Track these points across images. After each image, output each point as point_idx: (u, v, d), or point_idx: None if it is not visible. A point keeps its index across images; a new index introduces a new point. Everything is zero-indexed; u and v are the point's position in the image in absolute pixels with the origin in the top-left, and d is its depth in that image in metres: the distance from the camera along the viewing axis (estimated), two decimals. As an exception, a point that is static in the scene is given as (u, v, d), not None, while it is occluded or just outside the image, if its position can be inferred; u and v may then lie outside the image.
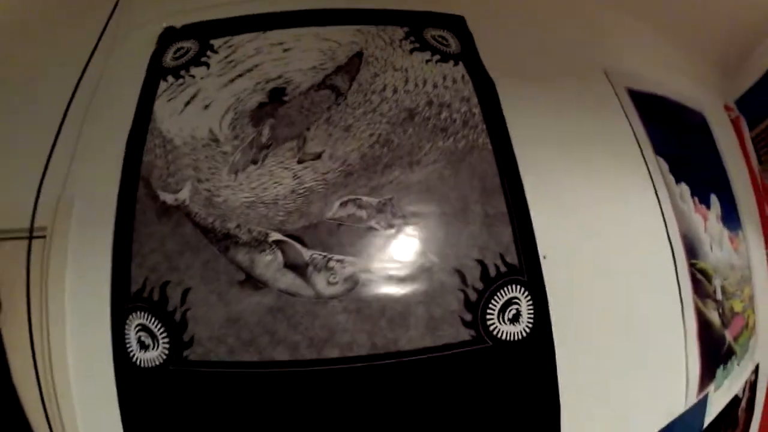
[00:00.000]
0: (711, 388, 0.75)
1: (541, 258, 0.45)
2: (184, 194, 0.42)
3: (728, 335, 0.86)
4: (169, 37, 0.52)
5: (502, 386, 0.42)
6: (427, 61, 0.49)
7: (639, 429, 0.56)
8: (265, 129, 0.43)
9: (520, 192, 0.49)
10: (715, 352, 0.80)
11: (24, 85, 0.54)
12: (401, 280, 0.42)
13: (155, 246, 0.43)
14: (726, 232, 0.93)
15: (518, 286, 0.43)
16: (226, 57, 0.48)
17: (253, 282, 0.40)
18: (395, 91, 0.46)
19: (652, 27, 0.85)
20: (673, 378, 0.64)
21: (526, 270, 0.46)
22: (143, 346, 0.42)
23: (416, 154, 0.43)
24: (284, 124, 0.44)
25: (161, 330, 0.42)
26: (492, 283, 0.45)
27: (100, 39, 0.50)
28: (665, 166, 0.75)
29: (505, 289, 0.47)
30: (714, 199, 0.90)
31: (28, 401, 0.50)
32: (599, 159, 0.63)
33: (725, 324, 0.84)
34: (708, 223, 0.88)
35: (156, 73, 0.49)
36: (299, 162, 0.42)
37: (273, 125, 0.43)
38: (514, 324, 0.42)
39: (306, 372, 0.39)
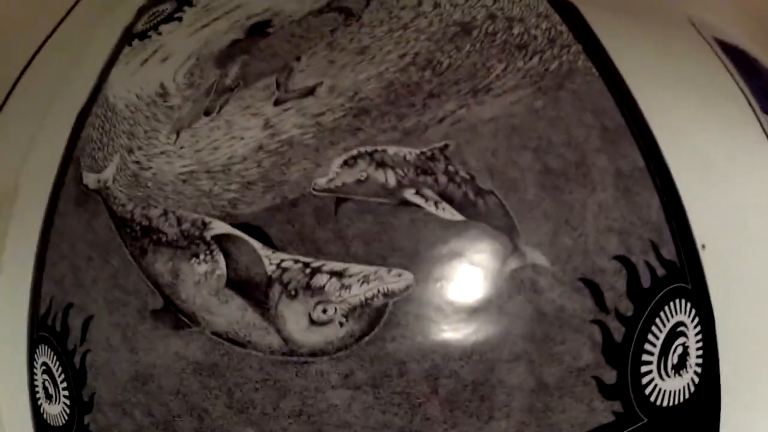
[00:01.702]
0: None
1: (699, 249, 0.12)
2: (108, 172, 0.18)
3: None
4: (148, 6, 0.31)
5: None
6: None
7: None
8: (233, 68, 0.18)
9: (653, 140, 0.22)
10: None
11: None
12: (474, 311, 0.12)
13: (66, 250, 0.19)
14: None
15: (684, 302, 0.18)
16: (204, 6, 0.25)
17: (173, 314, 0.12)
18: (437, 5, 0.19)
19: None
20: None
21: (689, 270, 0.19)
22: (47, 396, 0.15)
23: (483, 77, 0.15)
24: (262, 58, 0.19)
25: (61, 377, 0.15)
26: (649, 300, 0.18)
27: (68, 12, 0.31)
28: None
29: (668, 309, 0.18)
30: None
31: None
32: (717, 118, 0.30)
33: None
34: None
35: (123, 41, 0.28)
36: (276, 103, 0.15)
37: (246, 62, 0.19)
38: (679, 374, 0.17)
39: None
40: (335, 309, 0.13)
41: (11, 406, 0.25)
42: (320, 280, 0.13)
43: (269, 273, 0.13)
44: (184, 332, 0.15)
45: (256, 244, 0.14)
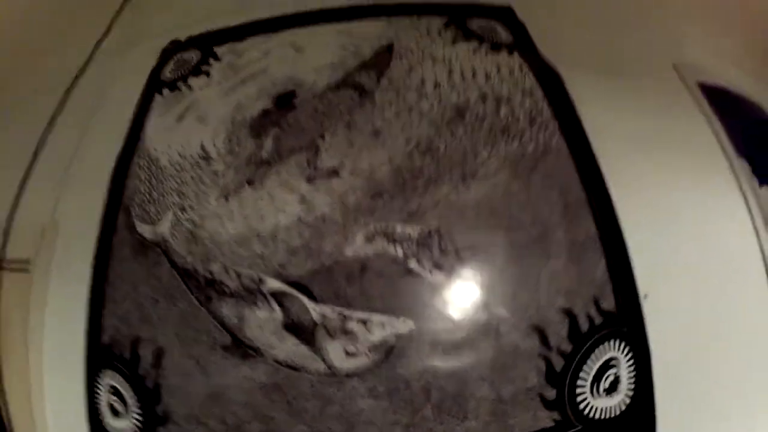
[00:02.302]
0: None
1: (641, 298, 0.26)
2: (164, 226, 0.29)
3: None
4: (172, 50, 0.41)
5: None
6: (475, 51, 0.34)
7: None
8: (267, 141, 0.29)
9: (610, 207, 0.34)
10: None
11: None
12: (456, 347, 0.25)
13: (128, 290, 0.30)
14: None
15: (618, 342, 0.30)
16: (229, 63, 0.36)
17: (241, 348, 0.25)
18: (437, 85, 0.31)
19: (712, 16, 0.67)
20: None
21: (625, 316, 0.31)
22: (114, 412, 0.28)
23: (471, 163, 0.27)
24: (291, 133, 0.30)
25: (132, 396, 0.27)
26: (585, 341, 0.30)
27: (93, 52, 0.41)
28: (747, 168, 0.55)
29: (602, 347, 0.31)
30: None
31: None
32: (683, 163, 0.46)
33: None
34: None
35: (152, 87, 0.38)
36: (309, 180, 0.27)
37: (277, 135, 0.30)
38: (611, 396, 0.29)
39: None
40: (362, 345, 0.24)
41: (60, 423, 0.37)
42: (351, 325, 0.25)
43: (315, 320, 0.25)
44: (251, 361, 0.26)
45: (304, 299, 0.26)
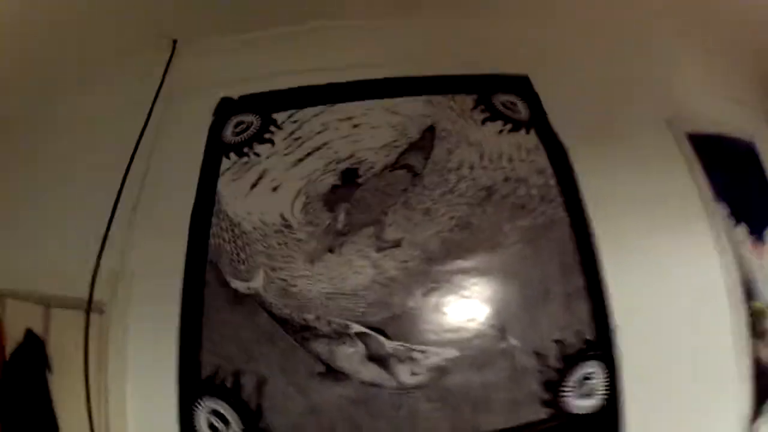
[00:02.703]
0: (760, 422, 0.92)
1: (613, 329, 0.61)
2: (257, 283, 0.55)
3: None
4: (226, 108, 0.67)
5: None
6: (500, 132, 0.63)
7: None
8: (340, 215, 0.57)
9: (597, 265, 0.64)
10: (764, 390, 0.97)
11: (81, 142, 0.69)
12: (483, 365, 0.55)
13: (228, 334, 0.56)
14: None
15: (595, 361, 0.58)
16: (291, 133, 0.62)
17: (333, 374, 0.53)
18: (472, 168, 0.59)
19: (707, 57, 1.03)
20: (727, 419, 0.80)
21: (602, 343, 0.62)
22: (214, 430, 0.55)
23: (497, 235, 0.56)
24: (360, 208, 0.57)
25: (234, 416, 0.54)
26: (571, 362, 0.60)
27: (154, 103, 0.65)
28: (725, 211, 0.91)
29: (583, 365, 0.62)
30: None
31: None
32: (665, 217, 0.80)
33: None
34: (764, 261, 1.05)
35: (217, 148, 0.64)
36: (378, 250, 0.55)
37: (348, 210, 0.57)
38: (588, 398, 0.59)
39: None
40: (424, 368, 0.54)
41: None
42: (416, 355, 0.54)
43: (389, 352, 0.54)
44: (343, 383, 0.55)
45: (381, 338, 0.55)
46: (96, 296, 0.62)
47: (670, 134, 0.82)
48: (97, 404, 0.61)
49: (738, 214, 0.96)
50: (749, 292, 0.93)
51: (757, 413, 0.93)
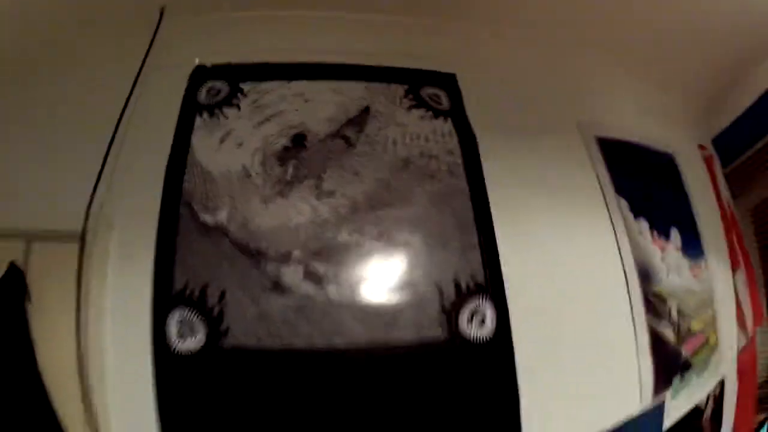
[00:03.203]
0: (668, 396, 1.29)
1: (504, 279, 0.85)
2: (222, 217, 0.81)
3: (685, 351, 1.37)
4: (200, 74, 0.89)
5: (470, 378, 0.84)
6: (422, 117, 0.90)
7: (593, 423, 1.03)
8: (289, 168, 0.83)
9: (491, 228, 0.92)
10: (669, 365, 1.34)
11: (74, 95, 0.90)
12: (393, 291, 0.82)
13: (197, 256, 0.84)
14: (686, 262, 1.47)
15: (486, 300, 0.83)
16: (254, 101, 0.88)
17: (279, 288, 0.80)
18: (395, 143, 0.87)
19: (627, 75, 1.33)
20: (626, 384, 1.12)
21: (492, 287, 0.92)
22: (182, 336, 0.79)
23: (409, 196, 0.84)
24: (305, 166, 0.84)
25: (200, 323, 0.78)
26: (464, 296, 0.91)
27: (141, 66, 0.86)
28: (625, 205, 1.24)
29: (475, 301, 0.91)
30: (674, 233, 1.42)
31: (57, 388, 0.85)
32: (564, 201, 1.13)
33: (681, 341, 1.36)
34: (666, 254, 1.40)
35: (191, 108, 0.88)
36: (317, 198, 0.81)
37: (296, 166, 0.83)
38: (480, 328, 0.85)
39: (318, 357, 0.78)
40: (347, 289, 0.80)
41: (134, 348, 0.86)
42: (341, 278, 0.80)
43: (321, 273, 0.80)
44: (285, 295, 0.82)
45: (315, 263, 0.81)
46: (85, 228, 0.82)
47: (579, 135, 1.17)
48: (84, 323, 0.80)
49: (639, 210, 1.30)
50: (647, 276, 1.27)
51: (661, 385, 1.22)
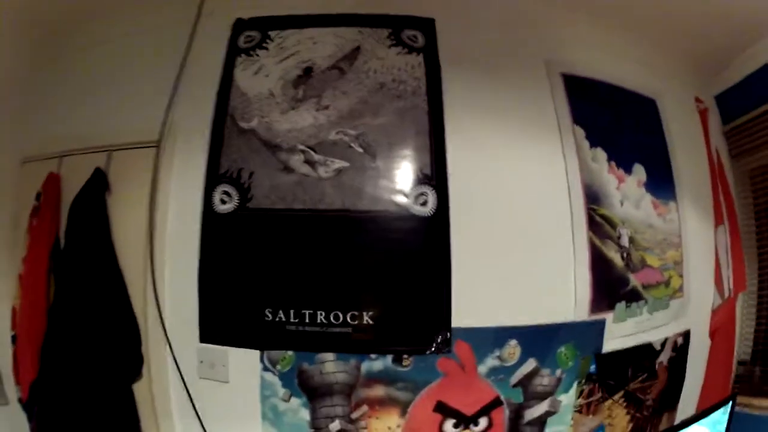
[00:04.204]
0: (608, 317, 1.65)
1: (448, 174, 1.29)
2: (254, 124, 1.32)
3: (634, 279, 1.70)
4: (239, 25, 1.40)
5: (414, 241, 1.31)
6: (398, 53, 1.36)
7: (519, 315, 1.46)
8: (300, 91, 1.34)
9: (442, 136, 1.38)
10: (611, 286, 1.70)
11: (148, 39, 1.49)
12: (360, 173, 1.33)
13: (235, 150, 1.35)
14: (649, 197, 1.79)
15: (430, 188, 1.27)
16: (278, 44, 1.38)
17: (287, 169, 1.31)
18: (375, 72, 1.35)
19: (610, 28, 1.67)
20: (560, 290, 1.57)
21: (436, 176, 1.43)
22: (222, 203, 1.32)
23: (380, 110, 1.31)
24: (310, 89, 1.35)
25: (235, 193, 1.31)
26: (413, 183, 1.43)
27: (197, 19, 1.40)
28: (582, 133, 1.61)
29: (421, 187, 1.44)
30: (639, 168, 1.74)
31: (125, 253, 1.42)
32: (517, 123, 1.63)
33: (630, 268, 1.68)
34: (623, 185, 1.74)
35: (233, 50, 1.42)
36: (316, 110, 1.29)
37: (304, 89, 1.33)
38: (423, 207, 1.28)
39: (309, 216, 1.30)
40: (331, 170, 1.29)
41: (184, 214, 1.47)
42: (328, 163, 1.29)
43: (316, 160, 1.29)
44: (291, 174, 1.37)
45: (312, 152, 1.32)
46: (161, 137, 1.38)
47: (544, 70, 1.55)
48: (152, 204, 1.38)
49: (599, 141, 1.69)
50: (595, 198, 1.65)
51: (599, 302, 1.57)
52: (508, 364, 1.43)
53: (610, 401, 1.73)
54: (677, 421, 1.90)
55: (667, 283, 1.89)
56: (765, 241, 2.32)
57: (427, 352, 1.36)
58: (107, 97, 1.64)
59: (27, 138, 1.78)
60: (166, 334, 1.43)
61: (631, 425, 1.75)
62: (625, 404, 1.82)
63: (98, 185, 1.58)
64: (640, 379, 1.82)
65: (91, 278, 1.55)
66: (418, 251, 1.40)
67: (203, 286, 1.41)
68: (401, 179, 1.39)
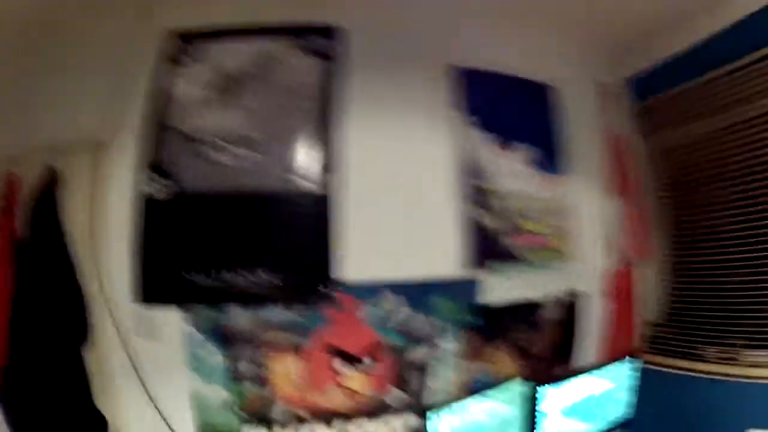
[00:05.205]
0: (484, 274, 2.15)
1: (338, 158, 1.77)
2: (178, 121, 1.76)
3: (513, 242, 2.14)
4: (171, 37, 1.90)
5: (308, 214, 1.75)
6: (304, 59, 1.85)
7: (396, 268, 1.99)
8: (218, 94, 1.85)
9: (335, 128, 2.00)
10: (486, 247, 2.09)
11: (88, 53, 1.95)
12: (267, 160, 1.77)
13: (163, 143, 1.82)
14: (534, 172, 2.23)
15: (320, 170, 1.78)
16: (203, 53, 1.95)
17: (205, 158, 1.89)
18: (284, 75, 1.83)
19: (504, 19, 2.13)
20: (435, 247, 2.13)
21: (327, 163, 2.02)
22: (151, 188, 1.88)
23: (286, 107, 1.92)
24: (230, 92, 1.91)
25: (162, 179, 1.81)
26: (307, 166, 2.00)
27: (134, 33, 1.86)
28: (470, 119, 2.08)
29: (312, 169, 2.00)
30: (524, 146, 2.18)
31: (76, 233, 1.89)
32: (409, 111, 2.10)
33: (508, 233, 2.12)
34: (506, 161, 2.16)
35: (165, 59, 1.92)
36: (233, 110, 1.84)
37: (222, 92, 1.92)
38: (314, 185, 1.87)
39: (222, 195, 1.92)
40: (230, 155, 1.72)
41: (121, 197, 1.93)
42: (230, 148, 1.72)
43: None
44: (208, 161, 1.76)
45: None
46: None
47: (439, 65, 2.05)
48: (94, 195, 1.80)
49: (485, 125, 2.22)
50: (476, 173, 2.18)
51: (473, 260, 2.07)
52: (386, 312, 1.91)
53: (491, 349, 2.12)
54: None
55: (550, 248, 2.32)
56: (677, 213, 2.79)
57: (314, 301, 1.85)
58: (57, 103, 2.03)
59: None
60: (107, 302, 1.88)
61: (518, 373, 2.12)
62: (509, 353, 2.21)
63: (51, 181, 1.99)
64: (523, 331, 2.22)
65: (47, 262, 2.03)
66: (308, 221, 1.89)
67: (136, 258, 1.88)
68: (296, 163, 1.89)
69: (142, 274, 1.86)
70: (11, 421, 2.13)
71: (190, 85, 1.90)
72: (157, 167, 1.84)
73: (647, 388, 2.69)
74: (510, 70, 2.30)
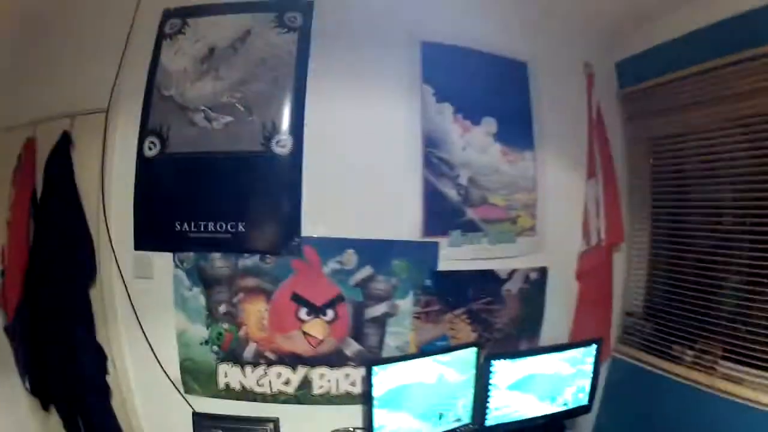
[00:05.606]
0: (442, 241, 2.41)
1: (305, 122, 2.09)
2: (172, 92, 2.16)
3: (473, 214, 2.35)
4: (167, 14, 2.16)
5: (276, 177, 2.17)
6: (279, 33, 2.10)
7: (357, 228, 2.28)
8: (204, 66, 2.14)
9: (303, 97, 2.31)
10: (446, 216, 2.37)
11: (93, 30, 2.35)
12: (241, 124, 2.16)
13: (159, 111, 2.27)
14: (498, 146, 2.42)
15: (288, 135, 2.06)
16: (193, 29, 2.20)
17: (192, 124, 2.30)
18: (259, 49, 2.10)
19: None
20: (395, 212, 2.40)
21: (294, 127, 2.33)
22: (149, 150, 2.22)
23: (260, 78, 2.14)
24: (212, 64, 2.22)
25: (158, 142, 2.18)
26: (274, 130, 2.30)
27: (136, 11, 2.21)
28: (430, 90, 2.25)
29: (281, 134, 2.29)
30: (488, 120, 2.36)
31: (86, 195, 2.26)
32: (373, 83, 2.43)
33: (467, 203, 2.33)
34: (468, 134, 2.39)
35: (161, 35, 2.27)
36: (214, 80, 2.24)
37: (208, 64, 2.17)
38: (283, 149, 2.18)
39: (206, 157, 2.20)
40: (219, 123, 2.00)
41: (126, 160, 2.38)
42: (215, 116, 2.00)
43: (212, 116, 2.01)
44: (195, 127, 2.05)
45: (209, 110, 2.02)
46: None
47: (406, 39, 2.24)
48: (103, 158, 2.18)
49: (444, 97, 2.35)
50: (435, 143, 2.40)
51: (432, 227, 2.29)
52: (348, 268, 2.21)
53: (450, 315, 2.29)
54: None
55: (513, 221, 2.51)
56: (658, 203, 2.90)
57: (283, 253, 2.17)
58: (70, 75, 2.43)
59: (7, 111, 2.64)
60: (112, 247, 2.28)
61: (475, 342, 2.31)
62: (469, 321, 2.37)
63: (65, 144, 2.41)
64: (483, 301, 2.37)
65: (60, 213, 2.44)
66: (278, 181, 2.21)
67: (136, 210, 2.23)
68: (267, 127, 2.17)
69: (141, 224, 2.20)
70: (22, 353, 2.56)
71: (182, 59, 2.17)
72: (154, 131, 2.15)
73: (618, 379, 2.75)
74: (480, 44, 2.42)
